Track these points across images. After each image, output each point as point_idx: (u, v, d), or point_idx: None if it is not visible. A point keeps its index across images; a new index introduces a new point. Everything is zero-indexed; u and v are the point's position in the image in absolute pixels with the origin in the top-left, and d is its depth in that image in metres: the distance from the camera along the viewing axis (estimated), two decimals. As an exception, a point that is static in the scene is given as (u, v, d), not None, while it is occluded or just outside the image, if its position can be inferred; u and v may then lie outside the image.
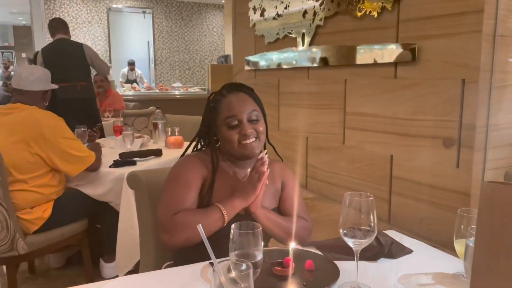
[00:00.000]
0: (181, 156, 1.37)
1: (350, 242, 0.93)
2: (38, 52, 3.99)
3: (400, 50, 1.81)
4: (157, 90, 6.90)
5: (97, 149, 2.36)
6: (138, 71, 8.04)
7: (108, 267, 2.45)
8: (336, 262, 1.07)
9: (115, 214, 2.22)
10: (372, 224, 0.90)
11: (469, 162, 1.59)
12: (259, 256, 0.92)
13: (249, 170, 1.28)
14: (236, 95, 1.31)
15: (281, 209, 1.37)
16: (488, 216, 0.68)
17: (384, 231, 1.25)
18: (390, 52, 1.85)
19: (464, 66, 1.58)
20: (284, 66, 2.61)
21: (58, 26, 3.93)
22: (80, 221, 2.29)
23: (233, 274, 0.77)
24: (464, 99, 1.59)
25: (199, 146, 1.40)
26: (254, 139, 1.27)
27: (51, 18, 4.20)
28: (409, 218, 1.83)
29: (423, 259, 1.11)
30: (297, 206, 1.36)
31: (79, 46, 3.93)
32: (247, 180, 1.24)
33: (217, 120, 1.30)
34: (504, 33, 1.53)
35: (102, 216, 2.40)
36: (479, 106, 1.55)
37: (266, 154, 1.27)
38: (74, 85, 3.80)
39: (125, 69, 8.03)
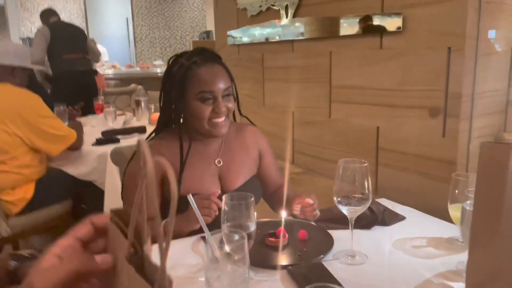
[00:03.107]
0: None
1: (344, 209, 0.92)
2: (38, 30, 4.06)
3: (385, 19, 1.79)
4: (138, 68, 6.74)
5: (78, 128, 2.30)
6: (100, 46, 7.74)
7: (94, 248, 2.42)
8: (329, 231, 1.06)
9: (100, 193, 2.18)
10: (366, 191, 0.89)
11: (455, 131, 1.60)
12: (252, 227, 0.91)
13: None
14: (212, 67, 1.21)
15: (263, 176, 1.37)
16: (488, 177, 0.67)
17: (376, 200, 1.25)
18: (376, 21, 1.82)
19: (450, 34, 1.57)
20: (268, 40, 2.56)
21: (51, 13, 4.17)
22: (64, 202, 2.25)
23: (226, 246, 0.75)
24: (450, 67, 1.59)
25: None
26: (224, 117, 1.22)
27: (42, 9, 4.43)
28: (396, 189, 1.85)
29: (416, 225, 1.12)
30: (279, 173, 1.35)
31: (79, 28, 4.28)
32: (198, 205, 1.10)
33: (188, 92, 1.20)
34: (490, 0, 1.52)
35: (87, 196, 2.36)
36: (465, 75, 1.55)
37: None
38: (81, 57, 4.02)
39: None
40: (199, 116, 1.19)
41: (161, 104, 1.26)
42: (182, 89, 1.19)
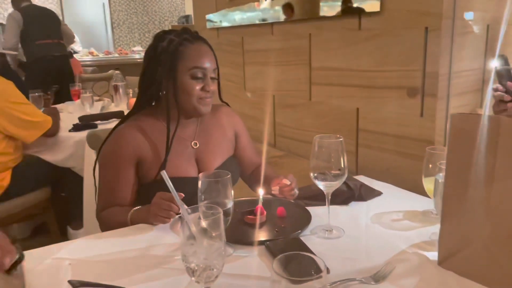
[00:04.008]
0: (120, 123, 1.25)
1: (320, 185, 0.93)
2: (9, 14, 3.91)
3: (364, 1, 1.78)
4: (116, 55, 6.62)
5: (53, 114, 2.25)
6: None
7: (77, 234, 2.40)
8: (308, 208, 1.07)
9: (79, 179, 2.15)
10: (342, 165, 0.90)
11: (433, 111, 1.62)
12: (229, 204, 0.91)
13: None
14: (204, 46, 1.22)
15: (240, 157, 1.37)
16: (458, 147, 0.68)
17: (354, 177, 1.26)
18: (354, 2, 1.82)
19: (427, 14, 1.58)
20: (248, 23, 2.54)
21: None
22: (42, 189, 2.22)
23: (201, 222, 0.75)
24: (427, 47, 1.60)
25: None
26: (210, 98, 1.22)
27: None
28: (376, 169, 1.87)
29: (393, 200, 1.14)
30: (256, 153, 1.35)
31: (52, 11, 4.15)
32: (156, 207, 1.07)
33: (179, 68, 1.18)
34: (466, -21, 1.53)
35: (66, 183, 2.32)
36: (441, 54, 1.56)
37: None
38: (55, 42, 3.92)
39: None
40: (189, 92, 1.18)
41: (144, 80, 1.23)
42: (173, 63, 1.17)
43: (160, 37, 1.21)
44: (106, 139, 1.23)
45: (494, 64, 1.09)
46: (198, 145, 1.27)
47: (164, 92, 1.21)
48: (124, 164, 1.18)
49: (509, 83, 1.06)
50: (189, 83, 1.18)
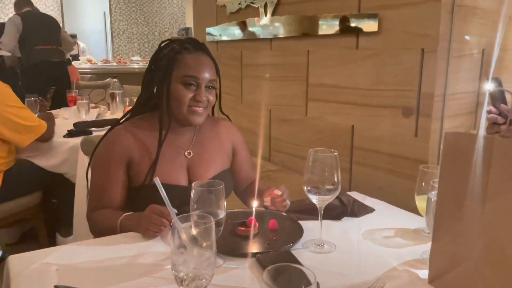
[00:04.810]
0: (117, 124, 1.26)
1: (314, 199, 0.93)
2: (9, 18, 3.94)
3: (362, 20, 1.81)
4: (115, 64, 6.64)
5: (49, 119, 2.25)
6: (80, 44, 7.65)
7: (66, 241, 2.37)
8: (300, 222, 1.07)
9: (71, 186, 2.14)
10: (336, 180, 0.90)
11: (427, 131, 1.63)
12: (222, 215, 0.90)
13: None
14: (203, 57, 1.23)
15: (236, 172, 1.37)
16: (451, 165, 0.69)
17: (347, 192, 1.27)
18: (352, 22, 1.85)
19: (423, 36, 1.60)
20: (247, 37, 2.56)
21: (24, 2, 4.05)
22: (33, 194, 2.20)
23: (192, 230, 0.74)
24: (423, 68, 1.62)
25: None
26: (203, 108, 1.22)
27: None
28: (369, 187, 1.87)
29: (385, 217, 1.14)
30: (252, 169, 1.35)
31: (52, 18, 4.17)
32: (146, 221, 1.05)
33: (173, 75, 1.20)
34: (462, 3, 1.56)
35: (57, 189, 2.31)
36: (437, 76, 1.58)
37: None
38: (54, 48, 3.94)
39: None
40: (179, 99, 1.19)
41: (144, 84, 1.26)
42: (168, 70, 1.19)
43: (165, 45, 1.25)
44: (100, 140, 1.24)
45: (488, 86, 1.10)
46: (191, 155, 1.27)
47: (159, 98, 1.23)
48: (115, 163, 1.19)
49: (502, 105, 1.07)
50: (180, 90, 1.19)
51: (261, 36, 2.42)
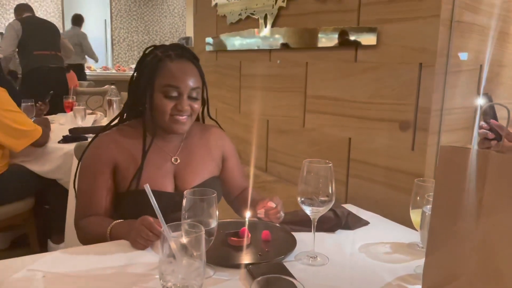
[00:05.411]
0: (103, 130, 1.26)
1: (307, 210, 0.91)
2: (9, 23, 3.96)
3: (361, 33, 1.82)
4: (114, 71, 6.66)
5: (44, 124, 2.24)
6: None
7: (57, 248, 2.33)
8: (293, 233, 1.05)
9: (64, 192, 2.11)
10: (330, 191, 0.89)
11: (424, 145, 1.63)
12: (213, 224, 0.89)
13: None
14: (185, 65, 1.21)
15: (226, 180, 1.35)
16: (446, 179, 0.68)
17: (342, 205, 1.25)
18: (351, 35, 1.86)
19: (422, 51, 1.61)
20: (246, 48, 2.57)
21: (25, 8, 4.08)
22: (25, 200, 2.17)
23: (182, 239, 0.73)
24: (421, 83, 1.62)
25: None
26: (187, 116, 1.21)
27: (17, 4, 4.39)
28: (365, 200, 1.86)
29: (379, 231, 1.13)
30: (244, 177, 1.34)
31: (52, 24, 4.17)
32: (136, 233, 1.04)
33: (155, 84, 1.18)
34: (461, 19, 1.57)
35: (50, 195, 2.28)
36: (434, 90, 1.58)
37: None
38: (52, 54, 3.94)
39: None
40: (160, 109, 1.18)
41: (129, 90, 1.26)
42: (151, 79, 1.18)
43: (149, 51, 1.23)
44: (87, 147, 1.24)
45: (479, 102, 1.11)
46: (178, 161, 1.26)
47: (143, 106, 1.23)
48: (102, 168, 1.18)
49: (492, 121, 1.07)
50: (161, 100, 1.18)
51: (261, 47, 2.43)
